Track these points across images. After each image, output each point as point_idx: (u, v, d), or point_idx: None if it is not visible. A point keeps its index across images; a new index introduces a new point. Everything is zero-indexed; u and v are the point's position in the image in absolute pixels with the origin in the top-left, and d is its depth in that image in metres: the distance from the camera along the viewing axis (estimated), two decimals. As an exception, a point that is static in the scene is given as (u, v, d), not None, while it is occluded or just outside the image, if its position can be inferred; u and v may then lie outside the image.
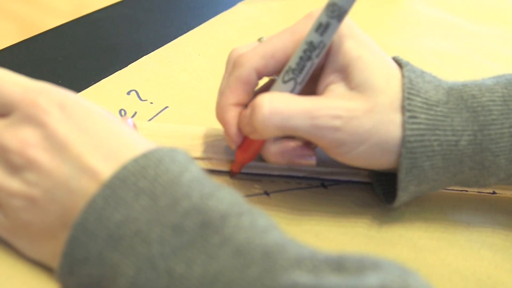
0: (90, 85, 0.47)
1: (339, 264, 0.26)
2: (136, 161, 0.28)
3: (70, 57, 0.50)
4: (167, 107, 0.46)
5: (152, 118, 0.45)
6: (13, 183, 0.29)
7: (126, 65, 0.50)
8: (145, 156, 0.28)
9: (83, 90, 0.46)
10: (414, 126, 0.35)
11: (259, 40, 0.40)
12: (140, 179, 0.28)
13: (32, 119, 0.29)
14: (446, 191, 0.43)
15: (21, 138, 0.29)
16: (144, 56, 0.51)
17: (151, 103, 0.46)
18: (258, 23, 0.60)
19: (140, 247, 0.26)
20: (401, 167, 0.36)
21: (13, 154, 0.29)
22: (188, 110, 0.47)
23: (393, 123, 0.35)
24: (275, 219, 0.36)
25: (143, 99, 0.47)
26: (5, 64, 0.48)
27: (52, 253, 0.29)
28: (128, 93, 0.47)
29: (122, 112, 0.45)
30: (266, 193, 0.41)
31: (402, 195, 0.38)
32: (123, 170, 0.28)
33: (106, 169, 0.28)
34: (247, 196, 0.40)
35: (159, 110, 0.46)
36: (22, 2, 0.58)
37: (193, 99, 0.48)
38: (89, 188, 0.28)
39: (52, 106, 0.29)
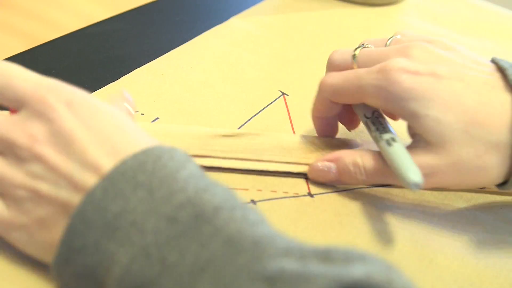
0: (83, 97, 0.47)
1: (327, 255, 0.27)
2: (135, 156, 0.30)
3: (64, 69, 0.51)
4: (157, 118, 0.47)
5: (143, 128, 0.46)
6: (19, 175, 0.31)
7: (119, 78, 0.51)
8: (144, 152, 0.30)
9: (75, 101, 0.47)
10: None
11: (361, 46, 0.43)
12: (138, 174, 0.29)
13: (40, 115, 0.31)
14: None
15: (30, 134, 0.31)
16: (137, 69, 0.52)
17: (142, 114, 0.47)
18: (251, 37, 0.61)
19: (135, 237, 0.27)
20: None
21: (21, 148, 0.31)
22: (179, 121, 0.48)
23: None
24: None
25: (134, 110, 0.47)
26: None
27: (49, 244, 0.30)
28: (120, 104, 0.48)
29: (113, 123, 0.45)
30: (253, 202, 0.42)
31: None
32: (122, 164, 0.29)
33: (108, 164, 0.30)
34: (234, 204, 0.41)
35: (149, 121, 0.47)
36: (18, 15, 0.59)
37: (184, 111, 0.49)
38: (91, 181, 0.29)
39: (60, 103, 0.31)
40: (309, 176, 0.44)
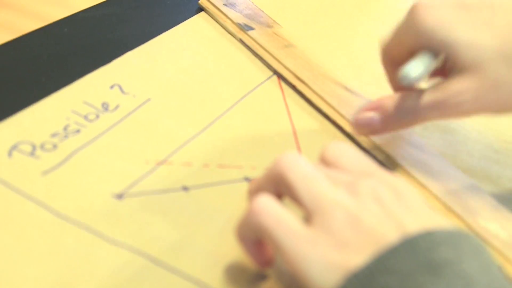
0: (74, 81, 0.47)
1: None
2: (443, 232, 0.29)
3: (55, 55, 0.51)
4: (149, 99, 0.47)
5: (134, 110, 0.46)
6: (346, 199, 0.31)
7: (110, 61, 0.50)
8: (450, 232, 0.29)
9: (67, 85, 0.47)
10: None
11: None
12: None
13: (389, 186, 0.31)
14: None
15: (375, 185, 0.31)
16: (128, 52, 0.52)
17: (134, 95, 0.47)
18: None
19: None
20: None
21: (364, 186, 0.31)
22: (171, 102, 0.47)
23: None
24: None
25: (126, 92, 0.47)
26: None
27: (334, 265, 0.29)
28: (111, 87, 0.47)
29: (105, 105, 0.45)
30: (247, 179, 0.42)
31: None
32: (429, 233, 0.28)
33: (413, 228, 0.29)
34: (227, 182, 0.41)
35: (141, 102, 0.46)
36: (4, 7, 0.59)
37: (177, 91, 0.49)
38: (413, 228, 0.29)
39: (409, 186, 0.32)
40: (356, 132, 0.44)
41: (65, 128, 0.42)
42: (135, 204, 0.38)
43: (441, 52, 0.39)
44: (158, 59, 0.52)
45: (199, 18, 0.59)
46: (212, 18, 0.59)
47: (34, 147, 0.41)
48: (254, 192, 0.35)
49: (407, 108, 0.40)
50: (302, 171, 0.32)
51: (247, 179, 0.41)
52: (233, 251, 0.36)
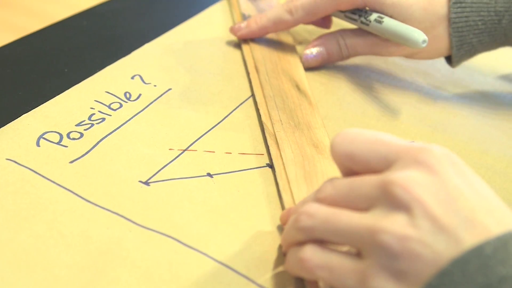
0: (96, 72, 0.48)
1: None
2: (493, 242, 0.27)
3: (76, 47, 0.52)
4: (170, 89, 0.48)
5: (156, 99, 0.46)
6: (384, 221, 0.29)
7: (130, 53, 0.51)
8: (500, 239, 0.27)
9: (89, 76, 0.48)
10: (459, 10, 0.48)
11: None
12: None
13: (421, 165, 0.29)
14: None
15: (408, 177, 0.29)
16: (146, 44, 0.53)
17: (155, 85, 0.48)
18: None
19: None
20: (452, 45, 0.49)
21: (397, 187, 0.29)
22: (191, 91, 0.48)
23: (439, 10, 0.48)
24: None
25: (146, 82, 0.48)
26: (17, 55, 0.50)
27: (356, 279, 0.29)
28: (132, 77, 0.48)
29: (127, 95, 0.46)
30: (269, 166, 0.43)
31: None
32: (480, 248, 0.27)
33: (495, 229, 0.27)
34: (250, 169, 0.42)
35: (162, 92, 0.47)
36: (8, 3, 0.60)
37: (196, 81, 0.50)
38: (472, 240, 0.27)
39: (444, 159, 0.30)
40: (305, 66, 0.53)
41: (90, 117, 0.43)
42: (161, 190, 0.39)
43: (371, 7, 0.49)
44: (176, 51, 0.53)
45: (213, 10, 0.60)
46: (229, 6, 0.60)
47: (61, 136, 0.42)
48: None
49: (346, 45, 0.52)
50: (321, 216, 0.31)
51: (269, 165, 0.42)
52: (258, 237, 0.37)
